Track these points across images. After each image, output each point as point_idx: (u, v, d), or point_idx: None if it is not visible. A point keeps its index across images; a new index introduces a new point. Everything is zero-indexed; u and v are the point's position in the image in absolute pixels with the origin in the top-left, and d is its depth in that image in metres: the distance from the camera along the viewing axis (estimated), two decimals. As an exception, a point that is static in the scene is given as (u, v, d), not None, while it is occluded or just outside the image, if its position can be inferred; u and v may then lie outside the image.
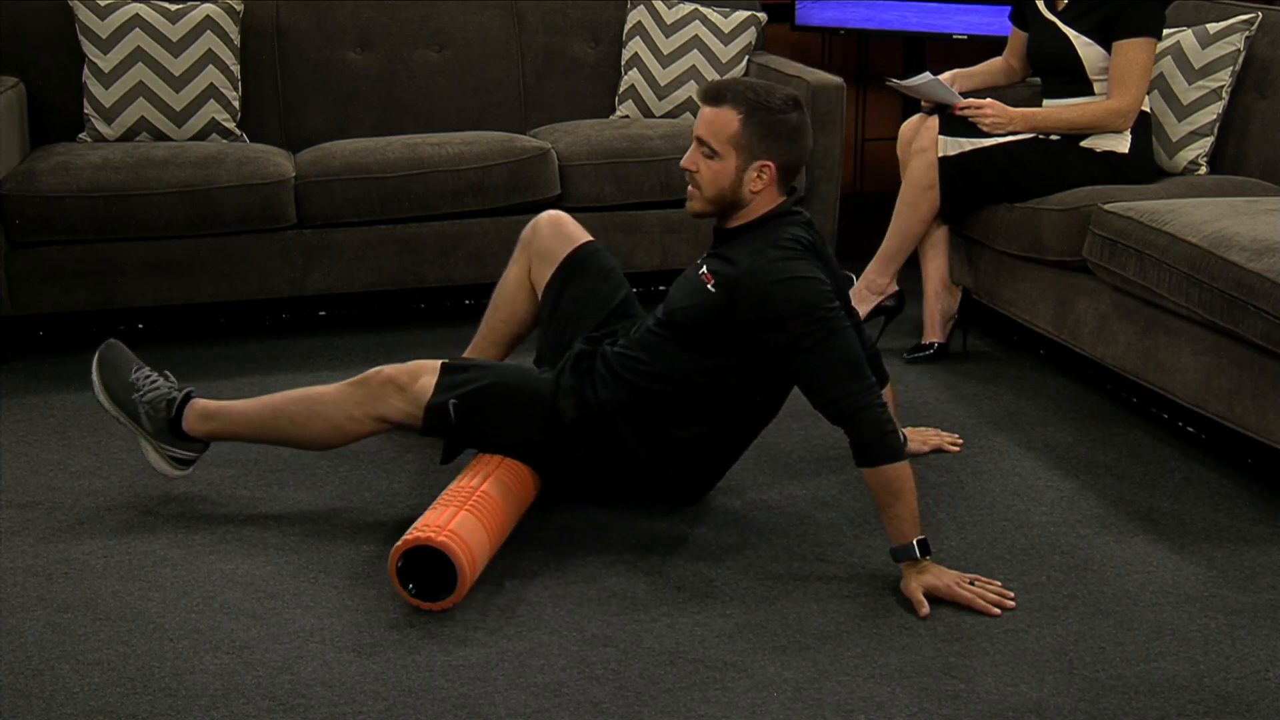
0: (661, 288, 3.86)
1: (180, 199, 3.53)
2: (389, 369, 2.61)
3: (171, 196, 3.52)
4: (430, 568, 2.32)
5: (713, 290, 2.49)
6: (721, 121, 2.46)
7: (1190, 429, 3.08)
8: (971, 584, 2.36)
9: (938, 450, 2.98)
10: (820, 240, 2.58)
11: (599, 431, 2.58)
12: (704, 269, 2.55)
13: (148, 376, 2.71)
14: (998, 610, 2.32)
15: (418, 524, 2.36)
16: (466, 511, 2.39)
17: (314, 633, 2.26)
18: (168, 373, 2.76)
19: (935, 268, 3.59)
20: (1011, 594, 2.37)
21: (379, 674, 2.14)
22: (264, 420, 2.65)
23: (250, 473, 2.86)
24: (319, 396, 2.63)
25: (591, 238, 2.93)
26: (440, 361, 2.62)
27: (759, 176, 2.48)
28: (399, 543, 2.32)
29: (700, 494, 2.74)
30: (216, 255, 3.60)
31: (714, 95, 2.48)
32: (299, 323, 3.89)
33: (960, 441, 3.03)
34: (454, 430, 2.59)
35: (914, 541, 2.36)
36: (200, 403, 2.68)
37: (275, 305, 3.85)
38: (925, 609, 2.31)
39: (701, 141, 2.48)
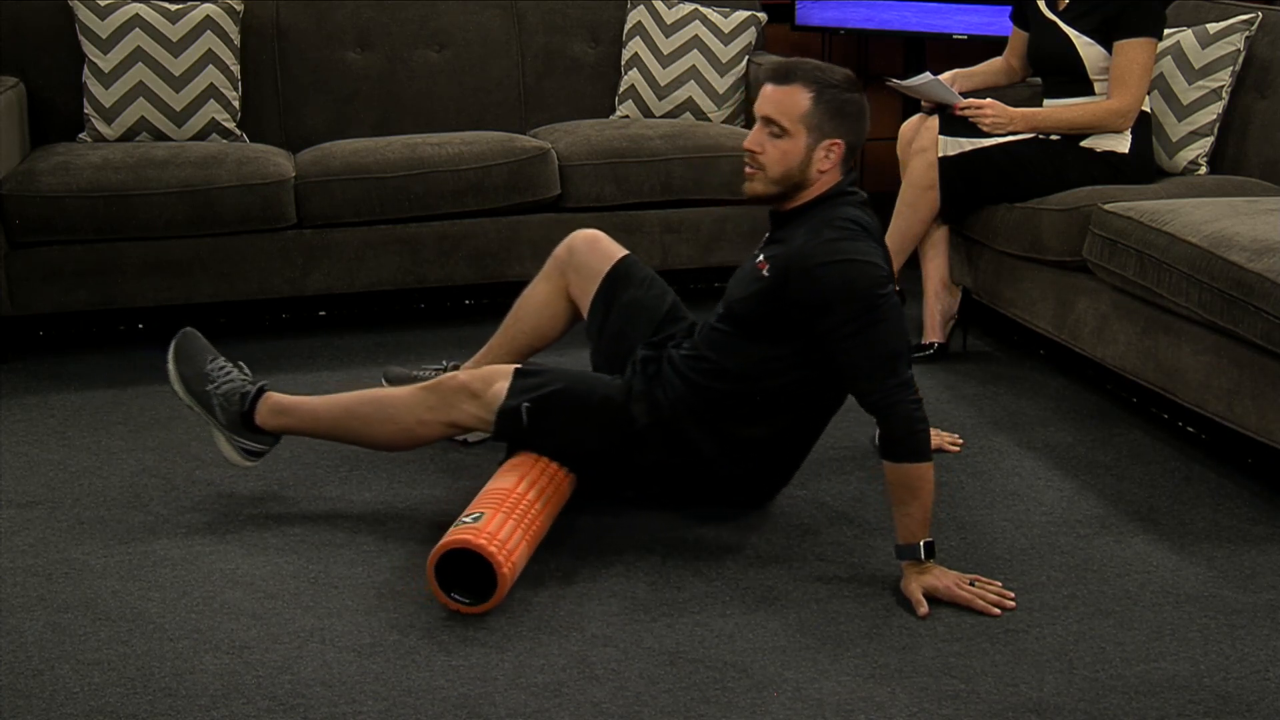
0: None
1: (180, 199, 3.53)
2: (462, 374, 2.62)
3: (171, 196, 3.52)
4: (471, 568, 2.31)
5: (766, 275, 2.48)
6: (792, 100, 2.44)
7: (1190, 429, 3.08)
8: (971, 584, 2.36)
9: (938, 450, 2.98)
10: (876, 221, 2.56)
11: (672, 435, 2.57)
12: (760, 257, 2.54)
13: (222, 367, 2.72)
14: (998, 610, 2.32)
15: (481, 528, 2.32)
16: (526, 543, 2.38)
17: (314, 633, 2.26)
18: (241, 364, 2.77)
19: (935, 268, 3.60)
20: (1011, 594, 2.37)
21: (379, 674, 2.14)
22: (336, 419, 2.66)
23: (250, 473, 2.86)
24: (392, 399, 2.64)
25: (627, 251, 2.92)
26: (513, 366, 2.63)
27: (827, 156, 2.46)
28: (462, 536, 2.28)
29: (771, 495, 2.73)
30: (216, 255, 3.60)
31: (782, 74, 2.46)
32: (299, 323, 3.89)
33: (960, 441, 3.03)
34: (526, 434, 2.57)
35: (921, 543, 2.36)
36: (273, 397, 2.69)
37: (275, 305, 3.85)
38: (924, 609, 2.31)
39: (770, 120, 2.46)
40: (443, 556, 2.31)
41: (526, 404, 2.55)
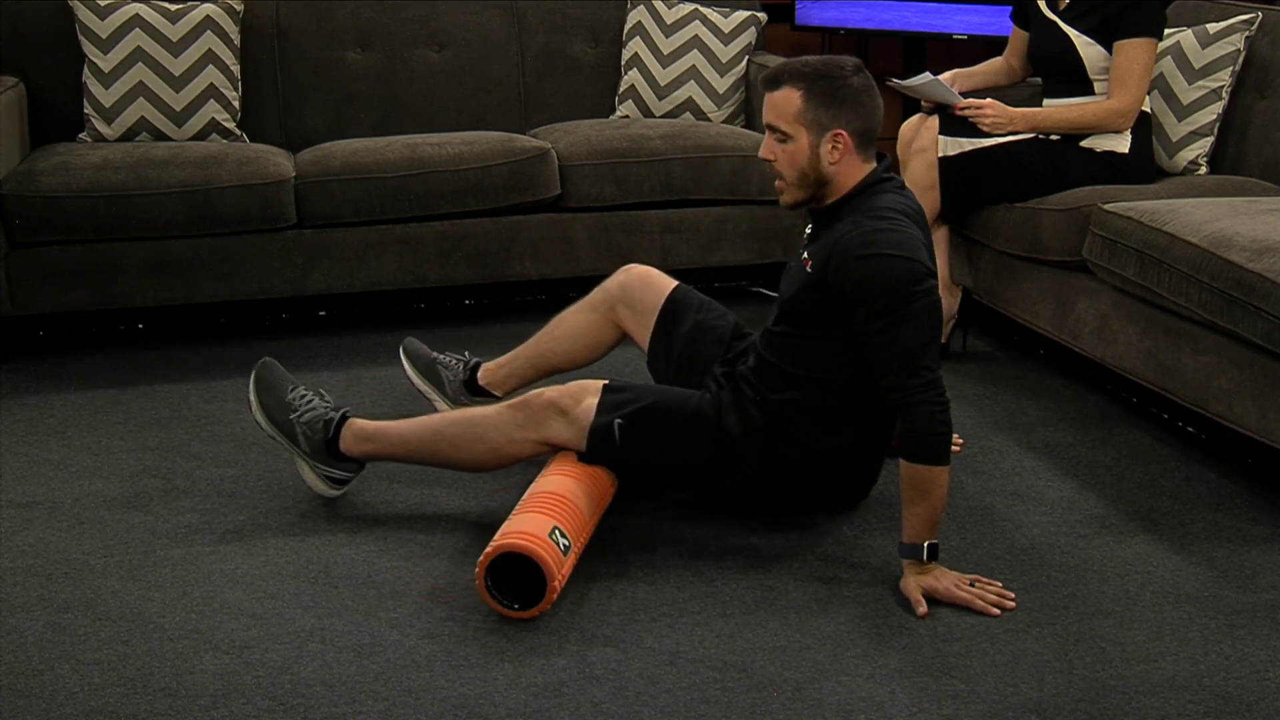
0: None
1: (180, 199, 3.53)
2: (550, 391, 2.58)
3: (171, 196, 3.52)
4: (520, 573, 2.29)
5: (810, 272, 2.48)
6: (785, 102, 2.44)
7: (1190, 429, 3.08)
8: (972, 585, 2.36)
9: None
10: (918, 205, 2.54)
11: (765, 444, 2.55)
12: (804, 254, 2.53)
13: (303, 395, 2.69)
14: (997, 610, 2.32)
15: (565, 569, 2.30)
16: (575, 553, 2.38)
17: (314, 633, 2.26)
18: (322, 391, 2.74)
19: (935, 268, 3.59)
20: (1011, 595, 2.37)
21: (379, 674, 2.14)
22: (423, 443, 2.63)
23: (250, 473, 2.86)
24: (480, 420, 2.61)
25: (677, 282, 2.91)
26: (601, 382, 2.60)
27: (834, 147, 2.45)
28: (549, 563, 2.26)
29: (861, 498, 2.72)
30: (216, 255, 3.60)
31: (773, 79, 2.46)
32: (299, 323, 3.89)
33: (960, 441, 3.03)
34: (618, 451, 2.55)
35: (925, 544, 2.35)
36: (357, 423, 2.65)
37: (275, 305, 3.85)
38: (923, 608, 2.31)
39: (772, 128, 2.47)
40: (512, 554, 2.27)
41: (619, 420, 2.53)
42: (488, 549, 2.29)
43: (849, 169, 2.48)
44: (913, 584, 2.35)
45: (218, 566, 2.49)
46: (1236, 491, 2.82)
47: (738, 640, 2.24)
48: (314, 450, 2.65)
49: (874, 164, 2.52)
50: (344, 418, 2.66)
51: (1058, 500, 2.78)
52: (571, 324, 2.95)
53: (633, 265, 2.97)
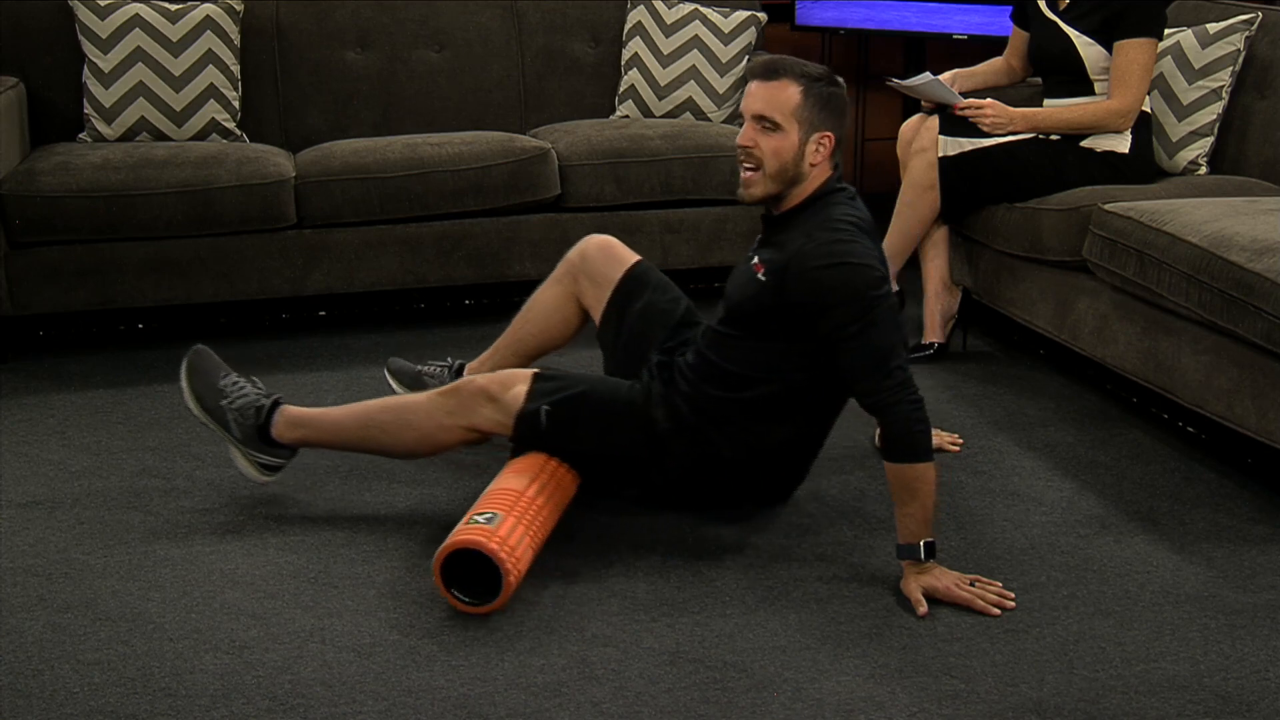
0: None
1: (180, 199, 3.53)
2: (480, 378, 2.60)
3: (171, 196, 3.52)
4: (477, 568, 2.31)
5: (763, 279, 2.49)
6: (784, 95, 2.45)
7: (1190, 429, 3.08)
8: (972, 585, 2.37)
9: (938, 450, 2.98)
10: (869, 215, 2.56)
11: (693, 439, 2.57)
12: (755, 259, 2.54)
13: (235, 383, 2.71)
14: (997, 610, 2.32)
15: (499, 533, 2.31)
16: (532, 549, 2.38)
17: (314, 633, 2.26)
18: (255, 379, 2.76)
19: (935, 268, 3.60)
20: (1011, 594, 2.37)
21: (379, 674, 2.14)
22: (354, 429, 2.65)
23: (250, 473, 2.87)
24: (410, 406, 2.63)
25: (640, 257, 2.92)
26: (532, 370, 2.62)
27: (818, 149, 2.47)
28: (476, 539, 2.28)
29: (788, 495, 2.74)
30: (216, 255, 3.60)
31: (770, 70, 2.47)
32: (299, 323, 3.89)
33: (960, 441, 3.03)
34: (545, 437, 2.57)
35: (921, 543, 2.36)
36: (289, 410, 2.68)
37: (275, 305, 3.85)
38: (923, 608, 2.32)
39: (761, 117, 2.46)
40: (453, 554, 2.30)
41: (546, 407, 2.54)
42: (436, 579, 2.32)
43: (819, 174, 2.50)
44: (913, 584, 2.35)
45: (218, 566, 2.49)
46: (1236, 491, 2.82)
47: (738, 640, 2.24)
48: (246, 437, 2.66)
49: (831, 171, 2.53)
50: (276, 404, 2.68)
51: (1058, 500, 2.78)
52: (541, 303, 2.97)
53: (595, 235, 2.97)
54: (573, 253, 2.95)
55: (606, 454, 2.61)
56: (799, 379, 2.53)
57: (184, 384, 2.70)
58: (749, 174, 2.51)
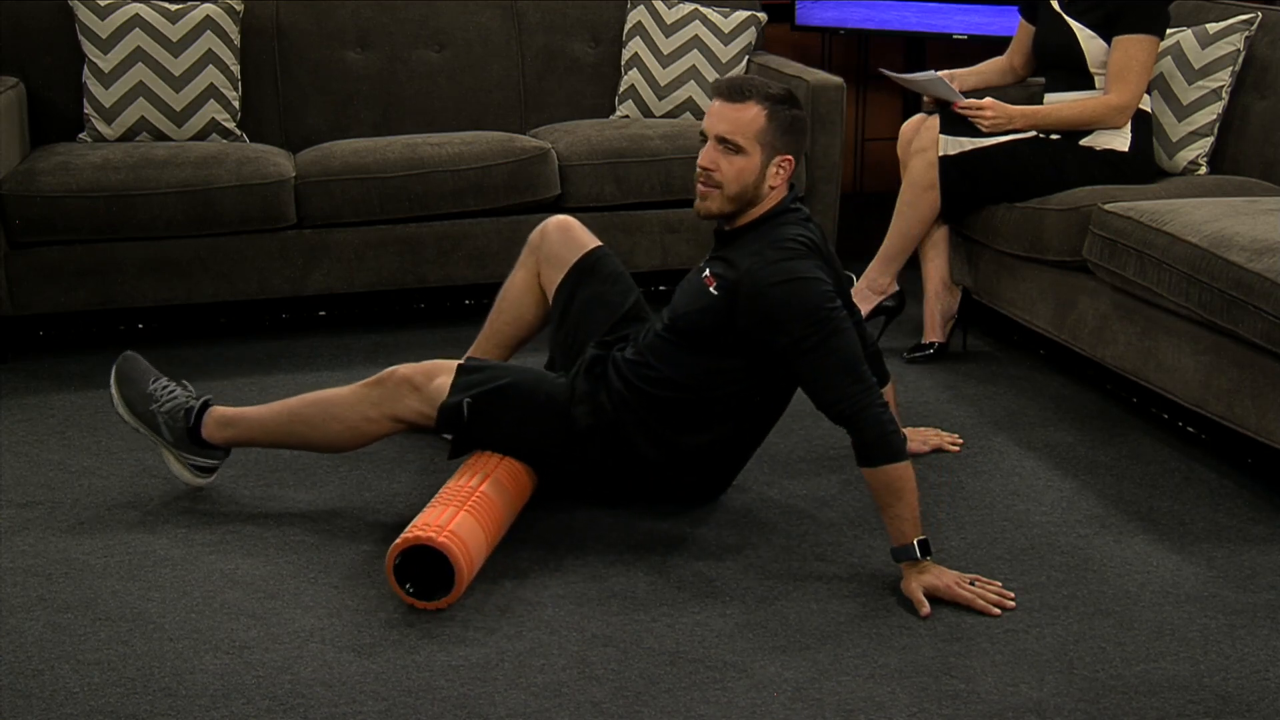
0: (662, 288, 3.86)
1: (180, 199, 3.53)
2: (404, 368, 2.61)
3: (171, 196, 3.52)
4: (428, 567, 2.32)
5: (715, 293, 2.50)
6: (749, 117, 2.45)
7: (1190, 429, 3.08)
8: (972, 584, 2.37)
9: (938, 450, 2.98)
10: (822, 236, 2.57)
11: (613, 438, 2.58)
12: (706, 272, 2.55)
13: (165, 386, 2.71)
14: (998, 610, 2.32)
15: (416, 523, 2.36)
16: (465, 512, 2.39)
17: (314, 633, 2.26)
18: (185, 382, 2.77)
19: (935, 268, 3.60)
20: (1011, 594, 2.37)
21: (379, 674, 2.15)
22: (280, 425, 2.66)
23: (250, 473, 2.86)
24: (334, 399, 2.63)
25: (600, 243, 2.92)
26: (457, 362, 2.63)
27: (778, 172, 2.49)
28: (397, 541, 2.33)
29: (714, 496, 2.74)
30: (216, 255, 3.60)
31: (737, 91, 2.47)
32: (299, 323, 3.89)
33: (960, 441, 3.03)
34: (466, 430, 2.58)
35: (914, 542, 2.36)
36: (218, 410, 2.68)
37: (275, 305, 3.85)
38: (926, 609, 2.32)
39: (724, 139, 2.46)
40: (398, 562, 2.32)
41: (468, 400, 2.55)
42: (404, 599, 2.33)
43: (774, 196, 2.52)
44: (914, 584, 2.35)
45: (218, 566, 2.49)
46: (1236, 491, 2.82)
47: (738, 640, 2.24)
48: (177, 439, 2.67)
49: (787, 192, 2.54)
50: (205, 405, 2.68)
51: (1058, 500, 2.78)
52: (511, 290, 2.98)
53: (556, 216, 2.98)
54: (534, 233, 2.96)
55: (526, 447, 2.61)
56: (731, 391, 2.54)
57: (114, 391, 2.71)
58: (706, 189, 2.51)
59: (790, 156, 2.49)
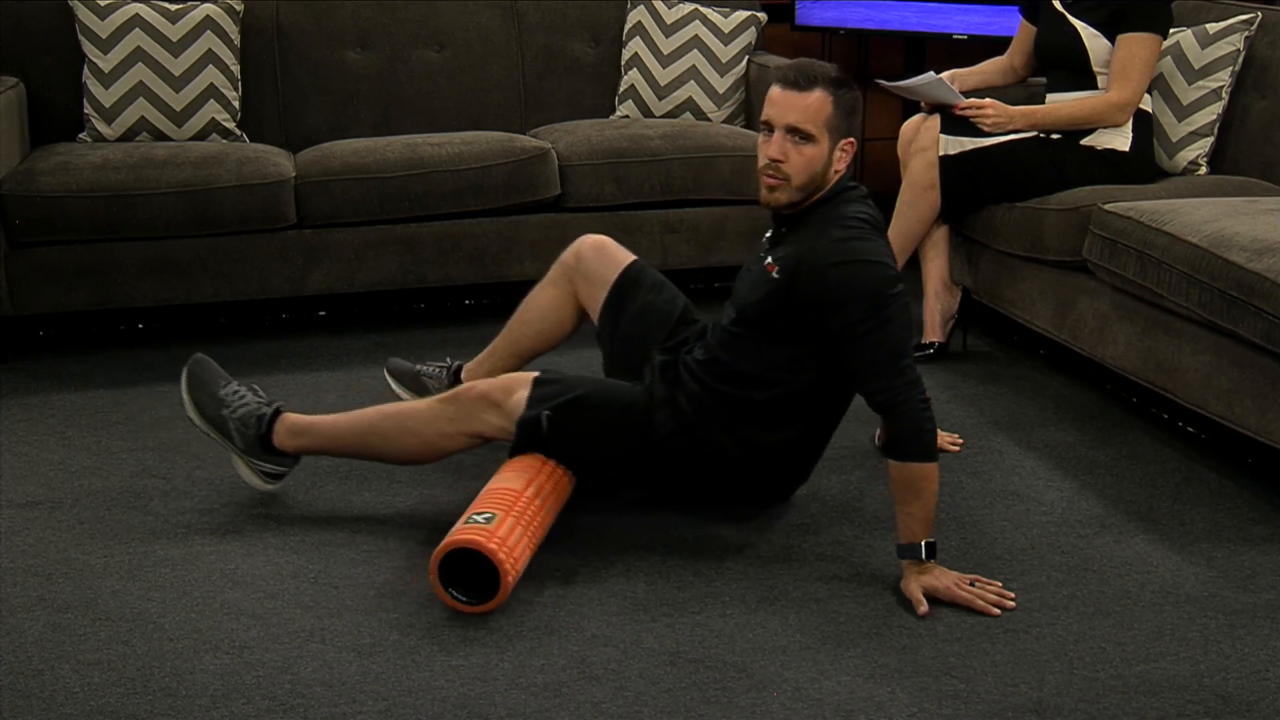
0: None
1: (180, 199, 3.53)
2: (481, 384, 2.60)
3: (171, 196, 3.52)
4: (475, 568, 2.31)
5: (776, 277, 2.49)
6: (816, 105, 2.43)
7: (1190, 429, 3.08)
8: (972, 585, 2.37)
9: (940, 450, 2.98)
10: (879, 214, 2.55)
11: (694, 440, 2.56)
12: (767, 259, 2.53)
13: (235, 391, 2.69)
14: (997, 610, 2.32)
15: (497, 533, 2.31)
16: (529, 549, 2.38)
17: (314, 633, 2.26)
18: (255, 386, 2.74)
19: (935, 268, 3.60)
20: (1011, 594, 2.37)
21: (379, 674, 2.14)
22: (355, 437, 2.64)
23: (250, 473, 2.87)
24: (411, 413, 2.62)
25: (635, 256, 2.92)
26: (533, 375, 2.61)
27: (843, 155, 2.48)
28: (474, 538, 2.28)
29: (788, 493, 2.74)
30: (216, 255, 3.60)
31: (805, 80, 2.43)
32: (299, 323, 3.89)
33: (960, 441, 3.03)
34: (547, 442, 2.55)
35: (923, 543, 2.36)
36: (290, 418, 2.66)
37: (275, 305, 3.85)
38: (924, 608, 2.32)
39: (794, 129, 2.43)
40: (451, 553, 2.30)
41: (547, 413, 2.53)
42: (433, 579, 2.32)
43: (838, 178, 2.51)
44: (914, 584, 2.35)
45: (218, 566, 2.49)
46: (1236, 491, 2.82)
47: (738, 640, 2.24)
48: (248, 446, 2.66)
49: (844, 171, 2.54)
50: (277, 413, 2.67)
51: (1058, 500, 2.78)
52: (537, 304, 2.97)
53: (589, 235, 2.97)
54: (567, 254, 2.95)
55: (607, 456, 2.61)
56: (806, 380, 2.53)
57: (185, 394, 2.69)
58: (774, 182, 2.47)
59: (852, 139, 2.48)
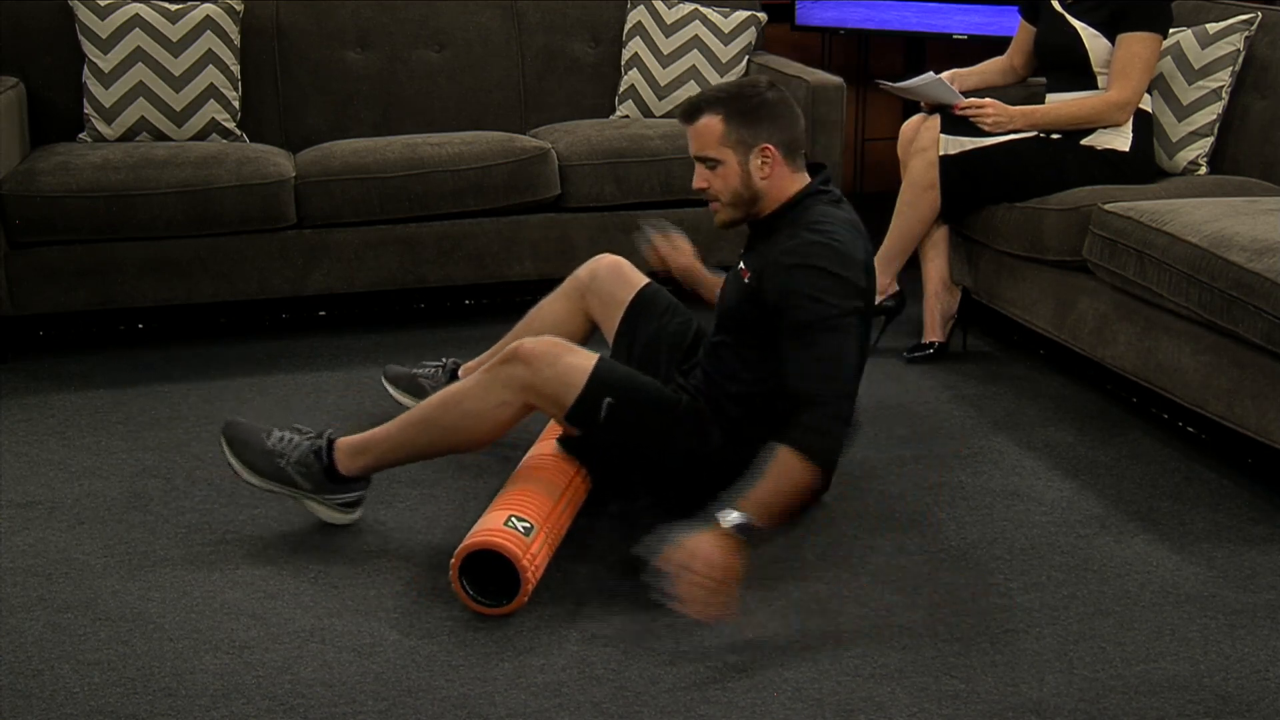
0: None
1: (180, 199, 3.53)
2: (528, 342, 2.49)
3: (171, 196, 3.52)
4: (494, 567, 2.30)
5: (748, 283, 2.49)
6: (707, 129, 2.47)
7: (1190, 429, 3.08)
8: (717, 586, 2.18)
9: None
10: (854, 214, 2.54)
11: (739, 455, 2.47)
12: (741, 265, 2.55)
13: (282, 437, 2.59)
14: (703, 611, 2.17)
15: (532, 548, 2.31)
16: (546, 557, 2.38)
17: (314, 633, 2.26)
18: (298, 425, 2.66)
19: (935, 268, 3.60)
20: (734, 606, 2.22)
21: (379, 674, 2.15)
22: (413, 435, 2.54)
23: (250, 473, 2.86)
24: (461, 393, 2.53)
25: (649, 279, 2.92)
26: (595, 354, 2.53)
27: (763, 162, 2.47)
28: (513, 549, 2.27)
29: (818, 496, 2.65)
30: (216, 255, 3.60)
31: (689, 111, 2.49)
32: (299, 323, 3.89)
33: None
34: (598, 427, 2.49)
35: (736, 515, 2.21)
36: (345, 441, 2.57)
37: (275, 305, 3.85)
38: (668, 563, 2.17)
39: (700, 158, 2.49)
40: (480, 551, 2.29)
41: (610, 400, 2.48)
42: (453, 560, 2.31)
43: (780, 181, 2.50)
44: (696, 539, 2.18)
45: (218, 566, 2.49)
46: (1236, 491, 2.82)
47: (738, 640, 2.24)
48: (316, 485, 2.57)
49: (807, 175, 2.53)
50: (330, 441, 2.58)
51: (1058, 500, 2.78)
52: (546, 314, 2.96)
53: (605, 255, 2.97)
54: (582, 271, 2.94)
55: (654, 457, 2.56)
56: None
57: (231, 460, 2.58)
58: (714, 206, 2.54)
59: (768, 144, 2.46)
